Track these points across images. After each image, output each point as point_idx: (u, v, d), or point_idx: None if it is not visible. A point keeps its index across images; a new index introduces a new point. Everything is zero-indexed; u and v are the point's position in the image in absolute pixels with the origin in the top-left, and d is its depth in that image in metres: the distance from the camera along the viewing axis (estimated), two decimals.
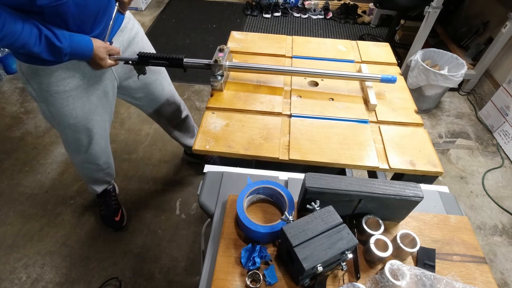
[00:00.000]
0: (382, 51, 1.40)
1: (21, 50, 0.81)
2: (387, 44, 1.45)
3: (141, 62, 1.10)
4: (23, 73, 0.97)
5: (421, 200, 0.69)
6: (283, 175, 0.90)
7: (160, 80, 1.30)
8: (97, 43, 0.93)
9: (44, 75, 0.95)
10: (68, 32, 0.86)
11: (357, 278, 0.68)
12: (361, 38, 3.07)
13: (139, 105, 1.35)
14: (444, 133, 2.17)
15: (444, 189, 0.90)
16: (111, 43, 1.02)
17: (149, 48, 1.24)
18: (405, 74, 2.34)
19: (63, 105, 1.04)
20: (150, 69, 1.21)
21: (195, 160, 1.85)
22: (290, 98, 1.13)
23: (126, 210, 1.62)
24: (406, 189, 0.70)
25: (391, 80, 1.10)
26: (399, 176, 1.00)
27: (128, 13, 1.10)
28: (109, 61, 1.00)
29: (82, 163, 1.32)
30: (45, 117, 1.13)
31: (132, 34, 1.13)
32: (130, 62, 1.10)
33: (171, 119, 1.50)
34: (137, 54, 1.08)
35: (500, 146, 2.08)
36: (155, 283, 1.39)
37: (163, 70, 1.31)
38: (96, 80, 1.07)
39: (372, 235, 0.69)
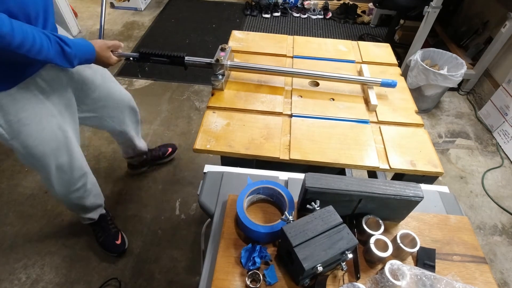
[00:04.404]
0: (383, 51, 1.40)
1: (39, 56, 0.76)
2: (388, 44, 1.45)
3: (142, 59, 1.10)
4: None
5: (421, 200, 0.69)
6: (283, 175, 0.90)
7: (114, 86, 1.25)
8: (97, 43, 0.93)
9: (7, 103, 0.86)
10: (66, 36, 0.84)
11: (357, 278, 0.68)
12: (361, 38, 3.07)
13: (101, 116, 1.26)
14: (444, 133, 2.17)
15: (444, 189, 0.90)
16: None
17: None
18: (404, 74, 2.33)
19: (40, 130, 0.94)
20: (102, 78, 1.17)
21: (141, 170, 1.78)
22: (291, 98, 1.13)
23: (126, 210, 1.62)
24: (406, 189, 0.70)
25: (391, 85, 1.11)
26: (399, 176, 1.00)
27: None
28: (115, 58, 1.00)
29: (71, 193, 1.21)
30: (23, 159, 1.01)
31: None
32: (131, 58, 1.10)
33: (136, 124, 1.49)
34: (139, 51, 1.08)
35: (500, 146, 2.08)
36: (155, 283, 1.39)
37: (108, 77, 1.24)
38: (55, 90, 0.98)
39: (372, 235, 0.69)
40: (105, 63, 0.98)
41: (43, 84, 0.93)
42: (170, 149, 1.85)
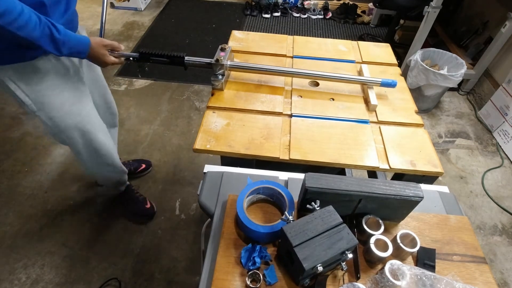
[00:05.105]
0: (383, 51, 1.40)
1: (21, 32, 0.77)
2: (388, 44, 1.45)
3: (142, 59, 1.10)
4: (11, 79, 0.92)
5: (421, 200, 0.69)
6: (283, 175, 0.90)
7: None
8: (95, 40, 0.94)
9: (30, 73, 0.93)
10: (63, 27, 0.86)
11: (357, 278, 0.68)
12: (361, 38, 3.07)
13: None
14: (444, 133, 2.17)
15: (444, 189, 0.90)
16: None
17: None
18: (404, 74, 2.34)
19: (62, 102, 1.02)
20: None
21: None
22: (291, 98, 1.13)
23: (126, 210, 1.62)
24: (406, 189, 0.70)
25: (391, 85, 1.11)
26: (399, 176, 1.00)
27: None
28: (112, 58, 1.00)
29: (104, 168, 1.32)
30: (52, 134, 1.11)
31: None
32: (131, 59, 1.10)
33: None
34: (139, 51, 1.08)
35: (500, 146, 2.08)
36: (155, 283, 1.39)
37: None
38: (76, 69, 1.05)
39: (372, 235, 0.69)
40: (100, 60, 0.98)
41: (67, 61, 1.01)
42: (143, 165, 1.77)
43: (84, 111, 1.10)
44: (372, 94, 1.11)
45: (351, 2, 3.35)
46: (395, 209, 0.73)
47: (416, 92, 2.16)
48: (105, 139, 1.24)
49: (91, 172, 1.37)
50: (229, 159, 0.96)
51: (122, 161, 1.65)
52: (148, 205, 1.60)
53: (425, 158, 0.95)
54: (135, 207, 1.58)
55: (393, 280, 0.63)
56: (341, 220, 0.66)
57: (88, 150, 1.20)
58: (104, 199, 1.67)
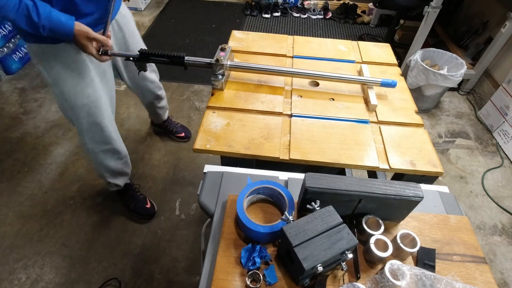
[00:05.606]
0: (383, 51, 1.40)
1: None
2: (388, 44, 1.45)
3: (142, 59, 1.10)
4: (34, 54, 1.03)
5: (421, 200, 0.69)
6: (283, 175, 0.90)
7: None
8: (79, 26, 0.94)
9: (49, 53, 1.02)
10: (51, 8, 0.88)
11: (357, 278, 0.68)
12: (361, 38, 3.07)
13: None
14: (444, 133, 2.17)
15: (444, 189, 0.90)
16: (104, 32, 1.02)
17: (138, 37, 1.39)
18: (404, 74, 2.34)
19: (74, 84, 1.09)
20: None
21: (161, 130, 1.99)
22: (291, 98, 1.13)
23: (126, 210, 1.62)
24: (406, 189, 0.70)
25: (391, 85, 1.11)
26: (399, 176, 1.00)
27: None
28: (94, 51, 1.00)
29: (101, 152, 1.34)
30: (61, 109, 1.21)
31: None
32: (131, 58, 1.10)
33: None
34: (138, 51, 1.09)
35: (500, 146, 2.08)
36: (155, 283, 1.39)
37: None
38: (92, 58, 1.09)
39: (372, 235, 0.69)
40: (80, 48, 0.99)
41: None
42: (183, 133, 1.96)
43: (93, 96, 1.15)
44: (372, 94, 1.11)
45: (351, 2, 3.35)
46: (395, 209, 0.73)
47: (416, 92, 2.16)
48: (110, 126, 1.28)
49: (91, 156, 1.38)
50: (229, 159, 0.96)
51: (167, 116, 1.92)
52: (149, 205, 1.61)
53: (425, 158, 0.95)
54: (135, 205, 1.59)
55: (393, 280, 0.63)
56: (341, 220, 0.66)
57: (91, 131, 1.25)
58: (104, 199, 1.67)
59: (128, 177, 1.59)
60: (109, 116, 1.27)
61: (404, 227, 0.77)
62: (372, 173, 1.00)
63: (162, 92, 1.69)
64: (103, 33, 1.02)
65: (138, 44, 1.37)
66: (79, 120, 1.19)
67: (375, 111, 1.10)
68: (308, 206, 0.69)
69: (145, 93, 1.60)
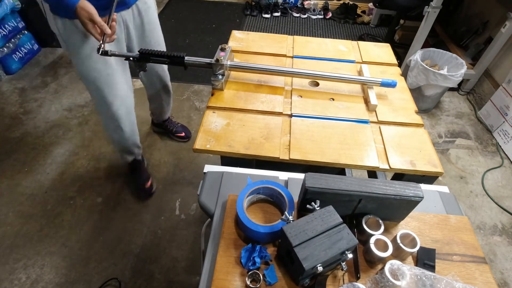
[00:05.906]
0: (383, 51, 1.40)
1: None
2: (388, 44, 1.45)
3: (142, 59, 1.10)
4: (56, 25, 1.08)
5: (421, 200, 0.69)
6: (283, 175, 0.90)
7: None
8: (84, 4, 0.95)
9: (70, 27, 1.07)
10: None
11: (357, 278, 0.68)
12: (361, 38, 3.08)
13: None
14: (444, 133, 2.17)
15: (444, 189, 0.90)
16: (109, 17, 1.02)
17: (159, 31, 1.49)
18: (404, 74, 2.34)
19: (87, 56, 1.14)
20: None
21: (161, 130, 2.02)
22: (291, 98, 1.13)
23: (126, 210, 1.62)
24: (406, 189, 0.70)
25: (391, 85, 1.11)
26: (399, 176, 1.00)
27: None
28: (91, 29, 1.00)
29: (110, 123, 1.39)
30: (78, 74, 1.24)
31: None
32: (131, 58, 1.10)
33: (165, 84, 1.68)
34: (138, 51, 1.09)
35: (500, 146, 2.08)
36: (155, 283, 1.39)
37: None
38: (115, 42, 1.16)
39: (372, 235, 0.69)
40: (83, 27, 1.02)
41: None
42: (183, 133, 1.97)
43: (105, 72, 1.20)
44: (372, 94, 1.11)
45: (351, 2, 3.35)
46: (395, 209, 0.73)
47: (416, 92, 2.16)
48: (119, 105, 1.32)
49: (103, 124, 1.45)
50: (229, 159, 0.96)
51: (168, 116, 1.95)
52: (148, 185, 1.67)
53: (425, 158, 0.95)
54: (137, 180, 1.67)
55: (393, 280, 0.63)
56: (341, 220, 0.66)
57: (100, 106, 1.31)
58: (104, 199, 1.67)
59: (136, 156, 1.65)
60: (121, 96, 1.31)
61: (404, 227, 0.77)
62: (372, 173, 1.00)
63: (169, 84, 1.72)
64: (108, 20, 1.01)
65: (156, 34, 1.46)
66: (92, 93, 1.27)
67: (375, 111, 1.10)
68: (308, 206, 0.69)
69: (154, 79, 1.62)
